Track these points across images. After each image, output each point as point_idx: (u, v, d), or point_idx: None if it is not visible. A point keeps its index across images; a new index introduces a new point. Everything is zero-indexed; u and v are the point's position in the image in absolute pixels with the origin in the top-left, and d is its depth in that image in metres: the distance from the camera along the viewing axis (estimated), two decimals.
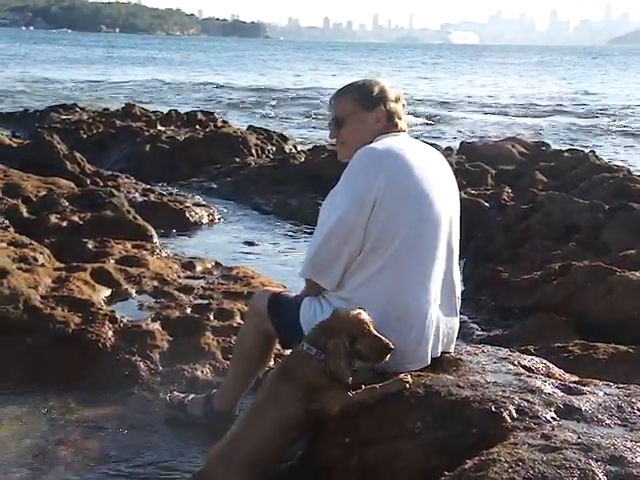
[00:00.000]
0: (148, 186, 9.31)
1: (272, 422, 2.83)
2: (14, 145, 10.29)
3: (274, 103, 26.52)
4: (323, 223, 3.20)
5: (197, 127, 13.84)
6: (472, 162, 10.20)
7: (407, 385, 2.90)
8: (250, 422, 2.88)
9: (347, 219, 3.11)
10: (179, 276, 5.52)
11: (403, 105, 3.46)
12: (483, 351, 3.41)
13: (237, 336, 3.83)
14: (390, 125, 3.36)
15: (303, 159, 11.03)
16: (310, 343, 2.89)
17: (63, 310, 4.50)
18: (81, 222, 6.86)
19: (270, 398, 2.88)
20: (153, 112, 15.68)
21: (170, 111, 15.39)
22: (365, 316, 2.90)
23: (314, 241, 3.24)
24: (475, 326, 5.58)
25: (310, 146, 12.87)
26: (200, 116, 14.70)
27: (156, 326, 4.52)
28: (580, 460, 2.30)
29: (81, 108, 16.83)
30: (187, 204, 8.58)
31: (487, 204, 8.30)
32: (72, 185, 7.95)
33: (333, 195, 3.23)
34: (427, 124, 21.28)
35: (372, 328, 2.89)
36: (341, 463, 2.84)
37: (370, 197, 3.10)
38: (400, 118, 3.40)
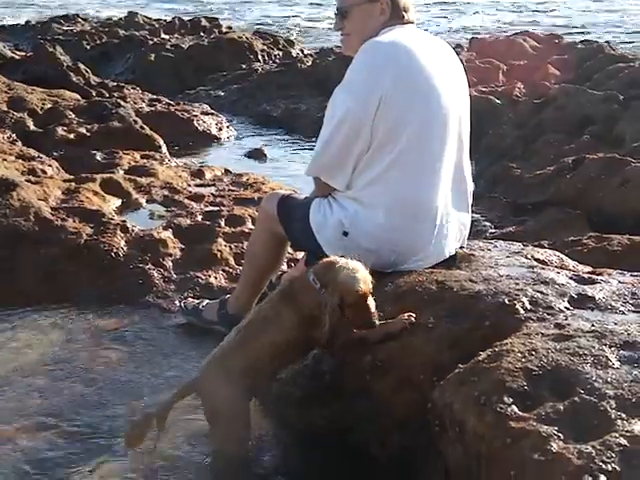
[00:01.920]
0: (155, 96, 9.18)
1: (268, 341, 2.74)
2: (17, 57, 10.14)
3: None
4: (328, 121, 3.13)
5: (202, 34, 13.57)
6: (483, 58, 9.96)
7: (408, 326, 2.77)
8: (247, 336, 2.79)
9: (352, 116, 3.04)
10: (189, 184, 5.51)
11: None
12: (496, 246, 3.40)
13: (249, 240, 3.82)
14: (396, 16, 3.23)
15: (310, 63, 10.82)
16: (315, 275, 2.72)
17: (74, 221, 4.50)
18: (88, 134, 6.81)
19: (269, 317, 2.80)
20: (156, 20, 15.35)
21: (173, 18, 15.07)
22: (361, 285, 2.64)
23: (320, 139, 3.18)
24: (488, 223, 5.55)
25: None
26: (204, 22, 14.39)
27: (168, 234, 4.51)
28: (594, 347, 2.29)
29: (83, 18, 16.51)
30: (195, 113, 8.46)
31: (498, 101, 8.13)
32: (77, 97, 7.86)
33: (338, 92, 3.15)
34: (437, 18, 20.73)
35: (368, 297, 2.67)
36: (354, 361, 2.85)
37: (376, 94, 3.01)
38: (407, 10, 3.26)
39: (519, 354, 2.34)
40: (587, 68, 8.76)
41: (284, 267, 4.20)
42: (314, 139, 8.17)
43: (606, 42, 10.27)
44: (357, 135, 3.05)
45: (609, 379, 2.14)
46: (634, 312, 2.58)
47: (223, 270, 4.32)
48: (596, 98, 6.89)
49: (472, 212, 3.42)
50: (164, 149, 6.95)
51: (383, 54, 3.09)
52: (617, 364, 2.21)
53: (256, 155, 7.54)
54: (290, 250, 3.91)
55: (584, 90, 7.17)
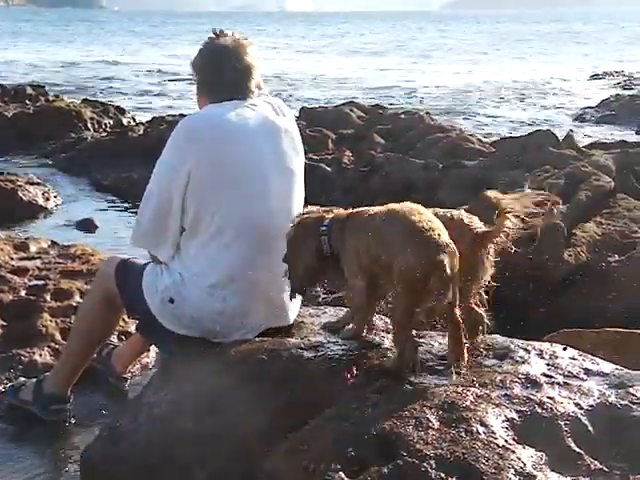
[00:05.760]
0: None
1: None
2: None
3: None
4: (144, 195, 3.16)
5: (27, 102, 13.20)
6: (313, 127, 10.26)
7: None
8: None
9: (160, 192, 3.08)
10: (12, 258, 5.25)
11: (242, 70, 3.18)
12: (325, 312, 3.45)
13: (80, 305, 3.68)
14: (214, 91, 3.19)
15: (142, 131, 10.75)
16: None
17: None
18: None
19: None
20: None
21: None
22: None
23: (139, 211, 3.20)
24: (319, 288, 5.63)
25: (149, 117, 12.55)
26: (29, 90, 14.00)
27: None
28: (415, 409, 2.37)
29: None
30: (19, 183, 8.14)
31: (329, 168, 8.38)
32: None
33: (155, 167, 3.16)
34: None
35: None
36: (187, 433, 2.80)
37: (182, 169, 3.02)
38: (227, 85, 3.17)
39: (346, 420, 2.38)
40: (410, 137, 9.21)
41: (115, 341, 4.10)
42: None
43: (427, 113, 10.86)
44: (168, 209, 3.06)
45: (430, 440, 2.22)
46: (453, 373, 2.69)
47: (49, 346, 4.14)
48: (417, 166, 7.26)
49: None
50: None
51: (189, 132, 3.09)
52: (437, 425, 2.29)
53: (85, 225, 7.34)
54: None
55: (407, 159, 7.54)
